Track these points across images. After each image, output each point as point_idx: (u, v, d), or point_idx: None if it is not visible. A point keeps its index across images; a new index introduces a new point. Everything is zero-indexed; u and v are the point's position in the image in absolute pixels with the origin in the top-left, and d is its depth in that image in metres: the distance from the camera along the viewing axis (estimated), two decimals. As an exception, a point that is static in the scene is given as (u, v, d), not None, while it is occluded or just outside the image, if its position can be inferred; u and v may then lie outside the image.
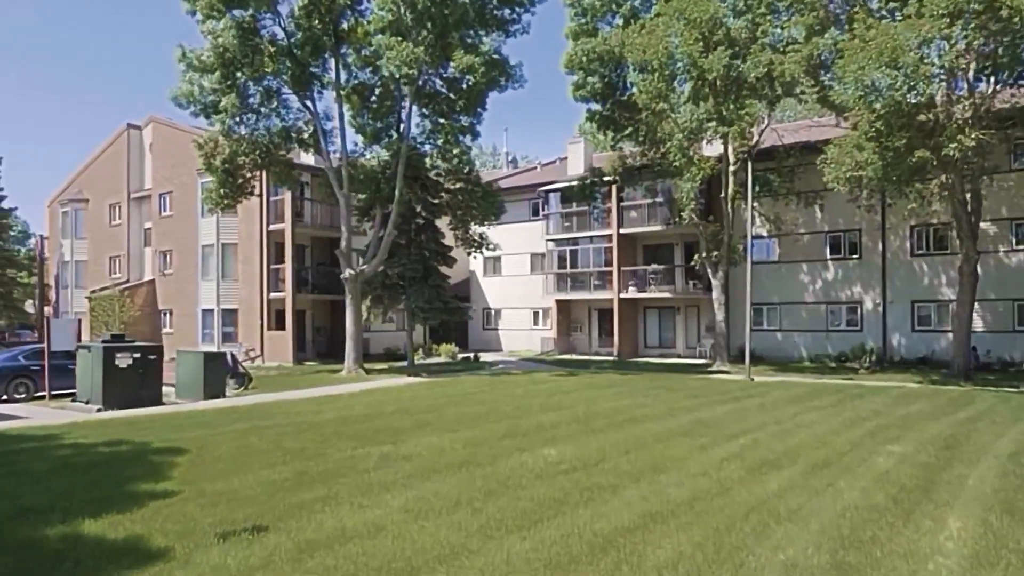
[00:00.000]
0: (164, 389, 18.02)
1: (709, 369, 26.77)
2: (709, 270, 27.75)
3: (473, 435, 12.13)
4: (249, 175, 26.52)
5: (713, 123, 24.74)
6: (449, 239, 30.47)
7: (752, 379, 22.36)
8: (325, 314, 35.55)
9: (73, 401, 17.36)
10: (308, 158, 32.69)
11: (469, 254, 31.11)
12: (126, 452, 11.07)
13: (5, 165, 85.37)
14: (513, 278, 40.62)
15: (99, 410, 16.07)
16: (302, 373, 26.56)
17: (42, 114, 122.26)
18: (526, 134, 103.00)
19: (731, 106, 24.28)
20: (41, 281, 48.50)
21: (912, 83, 18.05)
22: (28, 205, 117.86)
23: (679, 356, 33.53)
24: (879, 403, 16.27)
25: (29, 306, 63.01)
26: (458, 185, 28.56)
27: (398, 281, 28.72)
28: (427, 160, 28.45)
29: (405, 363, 30.07)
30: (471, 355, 32.98)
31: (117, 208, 41.35)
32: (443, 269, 30.02)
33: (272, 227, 32.52)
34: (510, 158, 49.48)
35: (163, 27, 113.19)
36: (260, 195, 32.92)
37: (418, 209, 29.72)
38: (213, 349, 33.47)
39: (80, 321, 32.90)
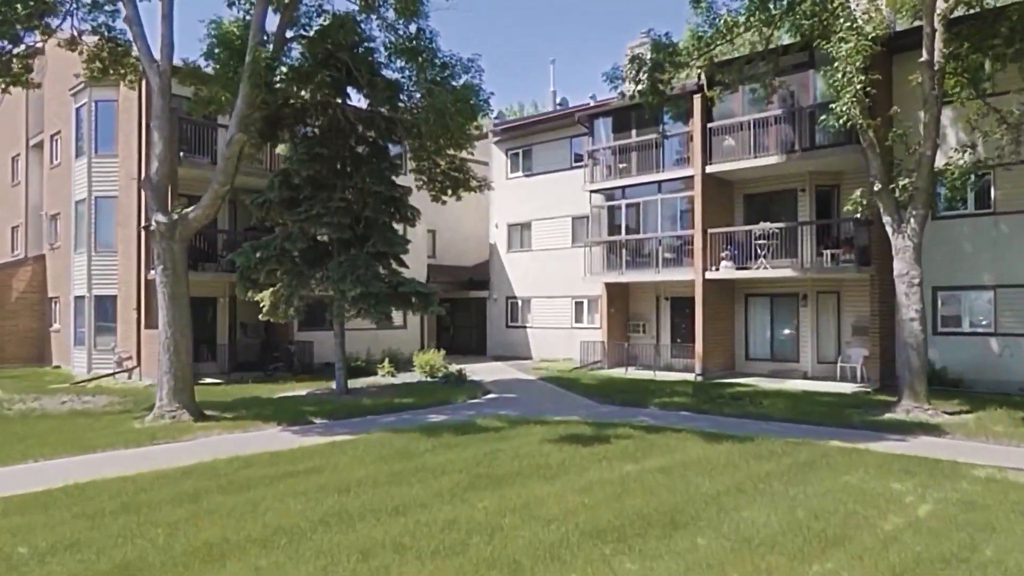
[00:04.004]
0: None
1: (892, 418, 13.32)
2: (888, 220, 14.16)
3: None
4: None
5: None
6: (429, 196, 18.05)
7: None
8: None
9: None
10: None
11: (437, 199, 18.49)
12: None
13: None
14: (547, 253, 27.88)
15: None
16: (102, 412, 14.72)
17: None
18: (582, 79, 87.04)
19: None
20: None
21: None
22: None
23: (805, 376, 20.07)
24: None
25: None
26: (414, 76, 16.01)
27: (307, 245, 16.57)
28: (360, 32, 16.09)
29: (332, 386, 17.92)
30: (460, 369, 20.47)
31: (17, 162, 30.94)
32: (403, 230, 17.79)
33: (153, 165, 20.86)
34: (558, 99, 36.27)
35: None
36: (140, 122, 21.53)
37: (355, 125, 17.46)
38: (82, 353, 22.30)
39: None
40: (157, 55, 13.29)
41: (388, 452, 10.12)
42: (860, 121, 13.74)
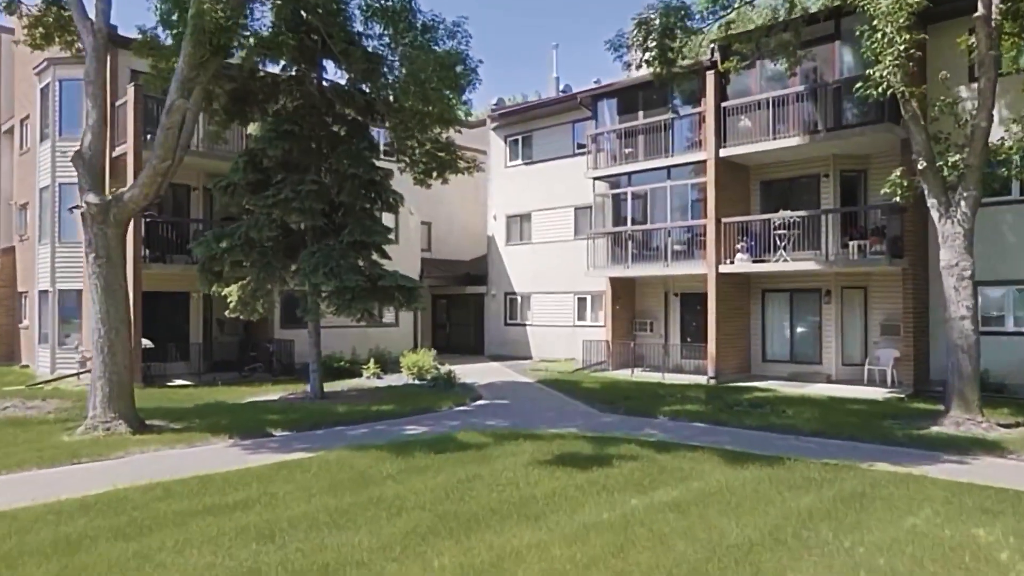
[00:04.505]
0: None
1: (942, 432, 11.49)
2: (934, 204, 12.24)
3: None
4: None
5: None
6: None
7: None
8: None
9: None
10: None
11: (421, 182, 16.68)
12: None
13: None
14: (548, 246, 26.07)
15: None
16: (39, 422, 13.00)
17: None
18: (586, 66, 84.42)
19: None
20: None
21: None
22: None
23: (828, 379, 18.22)
24: None
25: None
26: (393, 43, 14.21)
27: (277, 234, 14.86)
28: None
29: (307, 390, 16.19)
30: (449, 371, 18.73)
31: (-10, 148, 29.25)
32: (394, 221, 16.08)
33: (119, 149, 19.20)
34: (561, 87, 34.39)
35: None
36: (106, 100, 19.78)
37: (331, 101, 15.74)
38: (46, 352, 20.68)
39: None
40: (92, 13, 11.52)
41: (343, 478, 8.37)
42: (902, 89, 11.89)
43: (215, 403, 14.80)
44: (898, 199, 12.77)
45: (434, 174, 15.89)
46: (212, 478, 8.42)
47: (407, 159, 15.77)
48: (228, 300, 15.66)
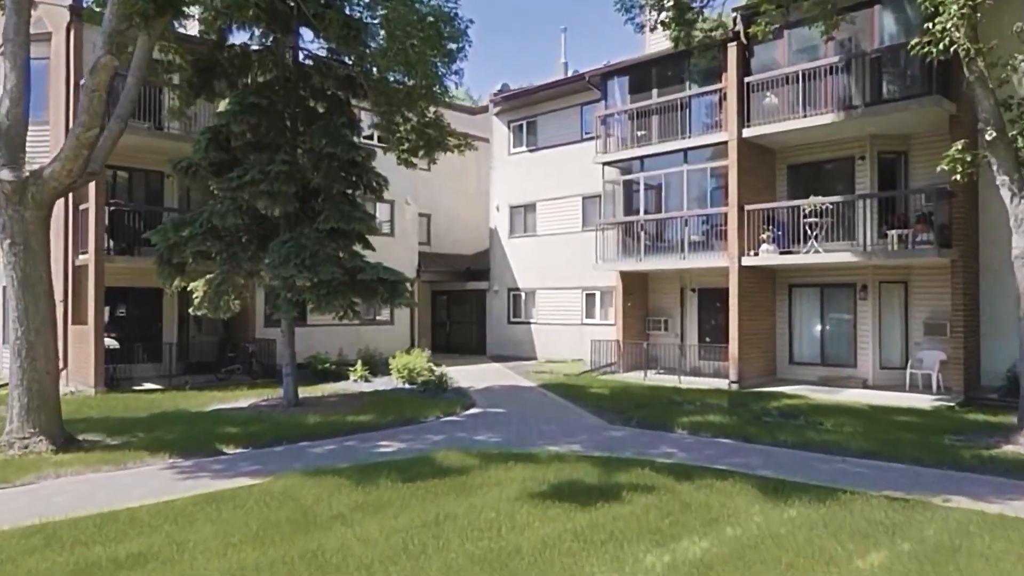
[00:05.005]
0: None
1: (1017, 454, 9.62)
2: (1004, 181, 10.25)
3: None
4: None
5: None
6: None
7: None
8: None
9: None
10: None
11: (404, 159, 14.89)
12: None
13: None
14: (554, 238, 24.26)
15: None
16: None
17: None
18: (596, 51, 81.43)
19: None
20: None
21: None
22: None
23: (864, 384, 16.31)
24: None
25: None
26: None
27: (243, 221, 13.16)
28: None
29: (281, 397, 14.49)
30: (442, 375, 16.98)
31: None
32: (390, 211, 14.40)
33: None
34: (571, 72, 32.46)
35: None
36: (69, 82, 18.24)
37: (307, 73, 14.03)
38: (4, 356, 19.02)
39: None
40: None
41: (280, 517, 6.63)
42: (967, 46, 10.01)
43: (173, 412, 13.12)
44: (958, 176, 10.85)
45: (421, 153, 14.14)
46: (117, 516, 6.70)
47: (391, 136, 14.00)
48: (194, 296, 13.99)
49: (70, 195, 18.10)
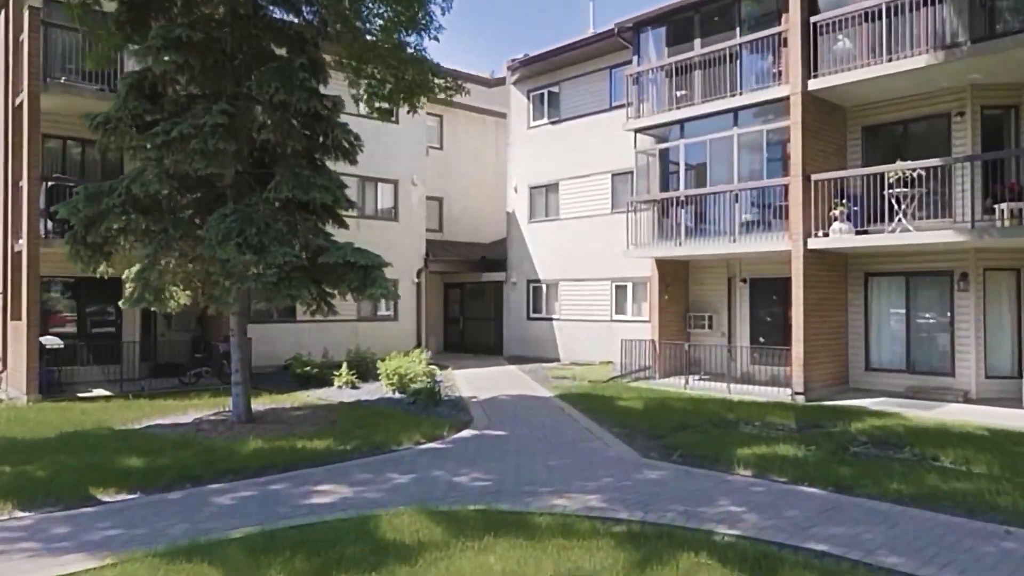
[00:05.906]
0: None
1: None
2: None
3: None
4: None
5: None
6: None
7: None
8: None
9: None
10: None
11: (378, 108, 11.85)
12: None
13: None
14: (579, 222, 21.11)
15: None
16: None
17: None
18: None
19: None
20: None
21: None
22: None
23: (965, 397, 12.94)
24: None
25: None
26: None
27: (173, 188, 10.35)
28: None
29: (229, 411, 11.68)
30: (436, 383, 13.95)
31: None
32: (341, 169, 11.50)
33: (21, 97, 14.94)
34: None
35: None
36: (7, 41, 15.72)
37: (260, 6, 11.15)
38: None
39: None
40: None
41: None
42: None
43: (93, 431, 10.34)
44: None
45: (400, 102, 11.17)
46: None
47: (361, 82, 11.06)
48: (126, 284, 11.24)
49: (8, 171, 15.68)
